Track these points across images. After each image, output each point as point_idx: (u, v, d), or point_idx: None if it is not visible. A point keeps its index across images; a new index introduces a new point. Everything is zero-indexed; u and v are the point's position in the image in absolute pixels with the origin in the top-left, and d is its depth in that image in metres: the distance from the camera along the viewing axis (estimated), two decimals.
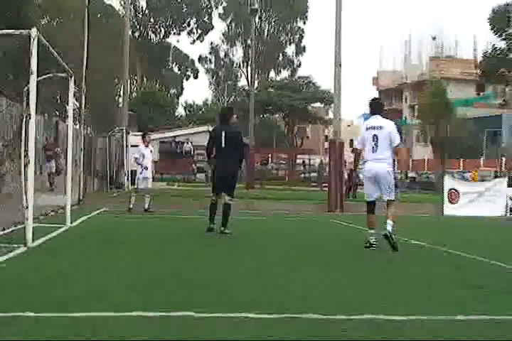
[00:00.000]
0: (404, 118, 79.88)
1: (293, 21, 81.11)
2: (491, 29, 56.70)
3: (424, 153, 66.11)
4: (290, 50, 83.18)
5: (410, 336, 4.66)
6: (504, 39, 55.73)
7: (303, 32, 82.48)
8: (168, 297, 5.72)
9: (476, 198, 21.20)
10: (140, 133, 21.49)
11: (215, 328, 4.65)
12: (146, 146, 17.20)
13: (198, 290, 6.15)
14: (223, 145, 11.64)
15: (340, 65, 22.34)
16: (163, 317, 4.88)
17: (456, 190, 21.27)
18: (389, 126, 9.99)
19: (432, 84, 64.58)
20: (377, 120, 10.10)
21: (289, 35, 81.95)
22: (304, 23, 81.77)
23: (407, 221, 17.57)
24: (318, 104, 68.88)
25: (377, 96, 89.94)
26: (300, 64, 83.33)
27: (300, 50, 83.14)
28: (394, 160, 10.69)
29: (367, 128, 10.10)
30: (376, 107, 10.39)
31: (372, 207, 10.12)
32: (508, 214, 20.94)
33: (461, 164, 50.70)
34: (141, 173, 17.01)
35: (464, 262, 9.25)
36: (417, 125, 68.40)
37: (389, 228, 9.61)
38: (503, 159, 42.87)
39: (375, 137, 9.85)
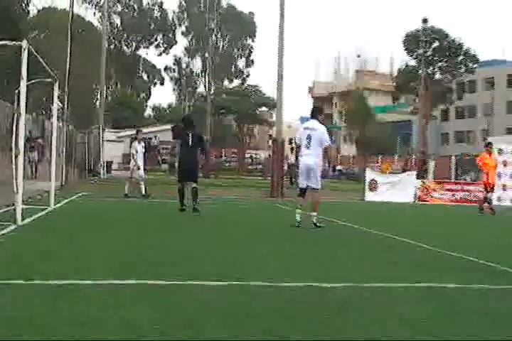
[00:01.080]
0: (334, 122, 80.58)
1: (243, 39, 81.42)
2: (405, 50, 57.41)
3: (350, 151, 66.85)
4: (241, 63, 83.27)
5: (341, 299, 4.68)
6: (415, 58, 56.49)
7: (251, 48, 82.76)
8: (142, 269, 5.61)
9: (391, 187, 21.50)
10: (114, 130, 21.24)
11: (183, 293, 4.62)
12: (139, 142, 17.07)
13: (168, 264, 6.04)
14: (190, 144, 12.62)
15: (282, 76, 22.38)
16: (138, 284, 4.83)
17: (375, 181, 21.54)
18: (321, 129, 10.19)
19: (356, 94, 65.27)
20: (313, 123, 10.31)
21: (240, 50, 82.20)
22: (253, 40, 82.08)
23: (336, 205, 17.76)
24: (264, 108, 69.21)
25: (312, 102, 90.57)
26: (249, 74, 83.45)
27: (249, 63, 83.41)
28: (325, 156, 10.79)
29: (304, 128, 10.42)
30: (314, 113, 10.59)
31: (303, 192, 10.39)
32: (415, 201, 21.34)
33: (379, 160, 51.42)
34: (134, 165, 16.81)
35: (383, 240, 9.35)
36: (345, 127, 69.13)
37: (314, 220, 10.08)
38: (413, 157, 43.54)
39: (309, 136, 10.11)
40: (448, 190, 22.35)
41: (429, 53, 54.90)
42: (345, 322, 3.99)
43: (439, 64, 56.67)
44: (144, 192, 16.52)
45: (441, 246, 8.30)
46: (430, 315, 4.31)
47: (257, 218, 12.92)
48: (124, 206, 14.39)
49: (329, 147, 10.51)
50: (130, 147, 17.63)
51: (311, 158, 10.11)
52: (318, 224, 10.06)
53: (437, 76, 57.02)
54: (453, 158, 35.27)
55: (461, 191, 22.41)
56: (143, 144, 17.42)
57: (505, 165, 22.22)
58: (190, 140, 12.61)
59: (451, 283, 5.53)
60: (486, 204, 16.87)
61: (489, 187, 16.80)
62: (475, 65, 57.77)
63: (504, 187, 22.17)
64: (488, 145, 17.66)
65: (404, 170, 29.84)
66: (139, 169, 16.71)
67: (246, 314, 4.04)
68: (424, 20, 52.94)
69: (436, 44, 55.86)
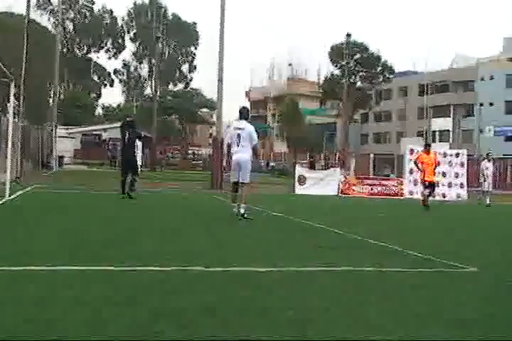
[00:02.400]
0: (268, 123, 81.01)
1: (187, 46, 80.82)
2: (330, 60, 58.27)
3: (281, 148, 67.35)
4: (185, 68, 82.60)
5: (269, 282, 4.73)
6: (339, 68, 57.39)
7: (194, 55, 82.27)
8: (90, 253, 5.54)
9: (318, 181, 21.77)
10: (66, 127, 20.70)
11: (130, 278, 4.56)
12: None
13: (113, 247, 5.99)
14: (127, 142, 13.75)
15: (221, 80, 22.32)
16: (89, 270, 4.75)
17: (303, 176, 21.77)
18: (249, 128, 10.18)
19: (289, 98, 65.78)
20: (242, 123, 10.29)
21: (184, 56, 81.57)
22: (195, 48, 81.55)
23: (268, 197, 17.86)
24: (205, 110, 68.93)
25: (248, 105, 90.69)
26: (192, 79, 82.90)
27: (192, 69, 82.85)
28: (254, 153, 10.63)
29: (234, 128, 10.34)
30: (243, 113, 10.52)
31: (235, 186, 10.33)
32: (339, 194, 21.66)
33: (308, 157, 51.97)
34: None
35: (310, 228, 9.47)
36: (277, 127, 69.63)
37: (242, 211, 9.89)
38: (337, 154, 44.30)
39: (239, 135, 10.08)
40: (367, 184, 22.81)
41: (351, 64, 55.88)
42: (272, 299, 4.04)
43: (360, 74, 57.81)
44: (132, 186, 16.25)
45: (360, 234, 8.48)
46: (347, 294, 4.42)
47: (198, 207, 12.87)
48: (74, 196, 14.05)
49: (256, 145, 10.31)
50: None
51: (241, 155, 10.06)
52: (246, 216, 9.84)
53: (358, 84, 58.15)
54: (371, 156, 35.99)
55: (379, 185, 22.91)
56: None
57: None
58: (127, 138, 13.73)
59: (369, 267, 5.65)
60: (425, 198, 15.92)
61: (427, 184, 15.92)
62: (391, 75, 59.28)
63: (415, 182, 22.86)
64: (427, 146, 17.18)
65: (328, 166, 30.34)
66: None
67: (187, 292, 4.07)
68: (348, 35, 53.78)
69: (357, 56, 56.95)
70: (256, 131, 10.36)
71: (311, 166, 36.67)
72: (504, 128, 54.70)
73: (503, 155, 44.76)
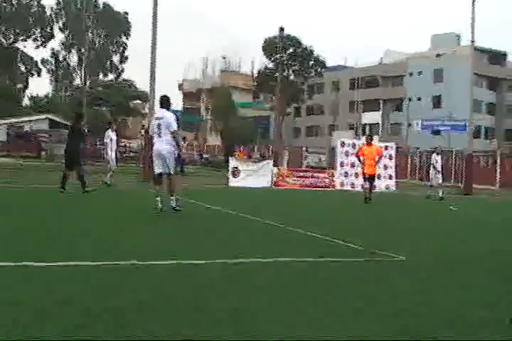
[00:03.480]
0: (201, 116, 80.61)
1: (118, 36, 79.02)
2: (264, 53, 58.51)
3: (215, 141, 67.18)
4: (116, 58, 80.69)
5: (206, 275, 4.71)
6: (273, 62, 57.72)
7: (126, 45, 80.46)
8: (22, 252, 5.36)
9: (251, 174, 21.85)
10: None
11: (67, 275, 4.44)
12: (112, 131, 16.79)
13: (49, 245, 5.80)
14: (67, 136, 13.98)
15: (154, 71, 22.00)
16: (19, 266, 4.61)
17: (237, 168, 21.80)
18: (168, 116, 9.73)
19: (222, 91, 65.62)
20: (161, 112, 9.95)
21: (115, 47, 79.72)
22: (127, 38, 79.78)
23: (201, 190, 17.79)
24: (137, 101, 67.82)
25: (181, 97, 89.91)
26: (123, 70, 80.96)
27: (123, 59, 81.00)
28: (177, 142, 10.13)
29: (154, 119, 10.07)
30: (163, 102, 10.07)
31: (159, 179, 9.92)
32: (272, 186, 21.83)
33: (242, 149, 52.04)
34: (108, 154, 16.67)
35: (244, 220, 9.48)
36: (211, 120, 69.38)
37: (173, 204, 9.57)
38: (270, 147, 44.64)
39: (159, 125, 9.68)
40: (299, 176, 23.10)
41: (284, 58, 56.28)
42: (212, 294, 4.02)
43: (293, 67, 58.33)
44: (107, 181, 15.83)
45: (295, 225, 8.56)
46: (286, 285, 4.45)
47: (130, 200, 12.63)
48: (11, 192, 13.48)
49: (175, 132, 9.71)
50: (104, 137, 17.23)
51: (162, 146, 9.68)
52: (177, 208, 9.56)
53: (292, 78, 58.68)
54: (303, 149, 36.48)
55: (311, 177, 23.25)
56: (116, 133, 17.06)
57: (346, 156, 23.43)
58: (69, 131, 13.91)
59: (305, 258, 5.72)
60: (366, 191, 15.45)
61: (366, 177, 15.60)
62: (323, 70, 60.15)
63: (346, 174, 23.38)
64: (368, 137, 16.88)
65: (263, 159, 30.47)
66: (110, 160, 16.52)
67: (122, 288, 3.98)
68: (281, 29, 54.09)
69: (291, 50, 57.43)
70: (178, 119, 9.88)
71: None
72: (431, 122, 56.69)
73: (430, 148, 46.38)
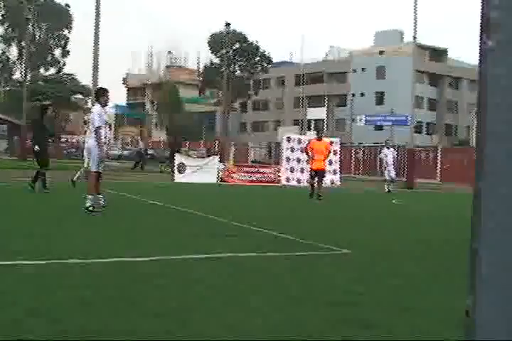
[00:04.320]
0: (146, 111, 79.68)
1: (59, 30, 76.98)
2: (210, 49, 58.28)
3: (160, 136, 66.52)
4: (57, 52, 78.62)
5: (146, 271, 4.66)
6: (219, 57, 57.57)
7: (67, 39, 78.49)
8: None
9: (197, 170, 21.73)
10: None
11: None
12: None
13: None
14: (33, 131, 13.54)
15: (97, 66, 21.52)
16: None
17: (183, 164, 21.63)
18: (93, 111, 9.24)
19: (168, 86, 65.01)
20: (93, 107, 9.62)
21: (56, 40, 77.65)
22: (69, 31, 77.80)
23: (146, 186, 17.59)
24: (79, 96, 66.42)
25: (125, 92, 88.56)
26: (65, 63, 78.89)
27: (65, 53, 78.97)
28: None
29: (90, 113, 9.72)
30: (97, 95, 9.50)
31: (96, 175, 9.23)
32: (219, 181, 21.76)
33: (188, 144, 51.83)
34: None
35: (187, 216, 9.44)
36: (157, 115, 68.67)
37: (88, 204, 8.75)
38: (217, 142, 44.57)
39: (89, 120, 9.61)
40: (245, 172, 23.14)
41: (230, 53, 56.20)
42: (148, 289, 3.99)
43: (240, 63, 58.35)
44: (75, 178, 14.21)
45: (238, 220, 8.58)
46: (227, 280, 4.46)
47: (69, 197, 12.33)
48: None
49: (97, 129, 8.93)
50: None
51: (88, 140, 9.39)
52: (90, 209, 8.65)
53: (238, 73, 58.69)
54: (250, 144, 36.60)
55: (257, 173, 23.33)
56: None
57: (292, 151, 23.60)
58: (33, 127, 13.61)
59: (248, 253, 5.74)
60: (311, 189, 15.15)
61: (313, 173, 15.18)
62: (269, 65, 60.43)
63: (292, 170, 23.56)
64: (319, 132, 16.56)
65: (209, 154, 30.43)
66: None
67: (61, 286, 3.90)
68: (227, 24, 53.97)
69: (237, 45, 57.40)
70: (100, 115, 9.02)
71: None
72: (374, 117, 57.87)
73: (373, 143, 47.34)
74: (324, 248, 6.27)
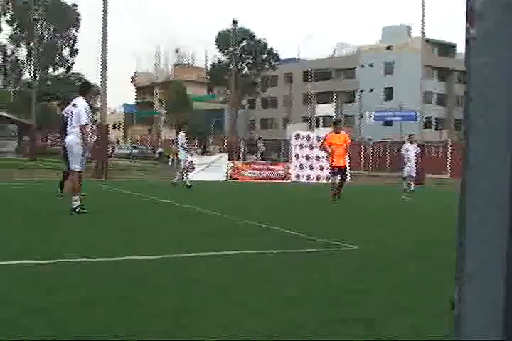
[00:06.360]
0: (155, 109, 79.81)
1: (67, 29, 77.29)
2: (217, 47, 58.22)
3: (170, 135, 66.60)
4: (65, 52, 78.96)
5: (149, 269, 4.59)
6: (226, 55, 57.51)
7: (76, 38, 78.81)
8: None
9: (206, 168, 21.70)
10: None
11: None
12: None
13: None
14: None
15: (105, 65, 21.51)
16: None
17: (191, 162, 21.57)
18: (80, 105, 8.63)
19: (176, 85, 65.06)
20: (76, 100, 8.77)
21: (64, 40, 78.00)
22: (77, 31, 78.12)
23: (156, 184, 17.56)
24: None
25: (134, 91, 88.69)
26: (73, 63, 79.24)
27: (73, 52, 79.33)
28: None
29: (71, 105, 8.96)
30: (82, 89, 9.09)
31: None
32: (227, 179, 21.72)
33: (196, 143, 51.84)
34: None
35: (192, 214, 9.35)
36: (165, 114, 68.78)
37: (73, 206, 8.34)
38: (225, 140, 44.53)
39: (72, 113, 8.67)
40: (255, 169, 23.07)
41: (238, 51, 56.10)
42: (148, 288, 3.92)
43: (247, 60, 58.25)
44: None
45: (246, 218, 8.49)
46: (225, 276, 4.38)
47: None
48: None
49: (83, 126, 8.52)
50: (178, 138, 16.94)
51: (68, 137, 8.71)
52: (77, 210, 8.27)
53: (245, 71, 58.60)
54: (242, 142, 36.51)
55: (266, 170, 23.26)
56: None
57: (301, 148, 23.49)
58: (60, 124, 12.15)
59: (254, 250, 5.65)
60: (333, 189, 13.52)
61: (335, 170, 13.54)
62: (277, 62, 60.29)
63: (301, 166, 23.45)
64: (336, 123, 15.03)
65: (220, 151, 30.42)
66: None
67: (62, 285, 3.86)
68: (234, 22, 53.89)
69: (244, 43, 57.30)
70: (87, 111, 8.67)
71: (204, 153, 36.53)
72: (383, 113, 57.59)
73: (382, 139, 47.13)
74: (331, 245, 6.17)
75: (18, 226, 6.94)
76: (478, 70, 0.86)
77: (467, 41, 0.86)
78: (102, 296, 3.66)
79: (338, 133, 13.88)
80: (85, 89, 9.12)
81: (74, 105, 8.73)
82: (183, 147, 16.73)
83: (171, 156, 37.36)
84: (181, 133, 16.94)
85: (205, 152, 33.64)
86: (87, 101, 8.90)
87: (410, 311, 3.63)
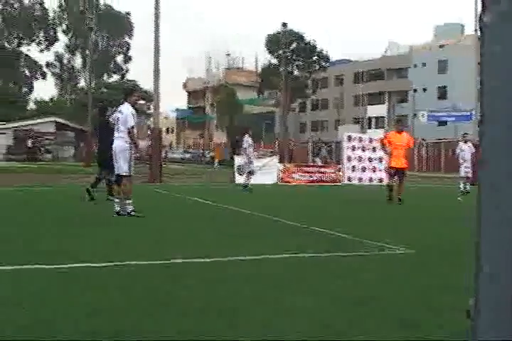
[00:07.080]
0: (207, 113, 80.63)
1: (121, 37, 79.20)
2: (267, 49, 58.37)
3: (222, 138, 67.16)
4: (119, 59, 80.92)
5: (173, 271, 4.63)
6: (276, 57, 57.57)
7: (129, 45, 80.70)
8: None
9: (257, 171, 21.72)
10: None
11: (29, 277, 4.34)
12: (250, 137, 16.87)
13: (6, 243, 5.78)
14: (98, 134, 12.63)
15: (158, 71, 21.93)
16: None
17: (242, 165, 21.63)
18: (126, 110, 8.83)
19: (226, 89, 65.59)
20: (122, 106, 9.01)
21: (118, 47, 79.96)
22: (130, 38, 79.99)
23: (210, 188, 17.74)
24: (142, 101, 67.94)
25: (186, 96, 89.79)
26: (128, 70, 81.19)
27: (127, 59, 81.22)
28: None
29: (117, 112, 9.14)
30: (125, 96, 9.23)
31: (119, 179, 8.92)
32: (278, 182, 21.71)
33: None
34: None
35: (247, 216, 9.33)
36: (216, 118, 69.48)
37: (116, 209, 8.69)
38: (276, 142, 44.54)
39: (118, 119, 8.89)
40: (306, 172, 23.00)
41: (288, 53, 56.06)
42: (178, 289, 3.98)
43: (297, 63, 58.11)
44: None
45: (293, 219, 8.46)
46: (275, 281, 4.37)
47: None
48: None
49: (131, 129, 8.75)
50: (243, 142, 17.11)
51: (115, 142, 8.90)
52: (132, 213, 8.57)
53: (296, 73, 58.49)
54: (309, 144, 36.35)
55: (317, 173, 23.15)
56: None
57: (353, 150, 23.26)
58: (98, 129, 12.66)
59: (309, 253, 5.64)
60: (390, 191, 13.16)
61: (392, 172, 13.15)
62: (327, 64, 59.91)
63: (353, 168, 23.22)
64: (398, 122, 14.63)
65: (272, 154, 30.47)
66: None
67: (88, 287, 3.98)
68: (284, 24, 53.94)
69: (294, 45, 57.22)
70: (133, 115, 8.83)
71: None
72: (437, 113, 56.37)
73: (437, 139, 46.15)
74: (376, 247, 6.10)
75: (75, 231, 7.16)
76: (492, 58, 0.84)
77: (481, 29, 0.85)
78: (130, 297, 3.70)
79: (400, 133, 13.42)
80: (127, 94, 9.27)
81: (120, 111, 8.95)
82: (245, 151, 16.83)
83: (215, 159, 37.36)
84: (246, 137, 16.91)
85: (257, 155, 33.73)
86: (133, 105, 9.04)
87: (443, 311, 3.55)
